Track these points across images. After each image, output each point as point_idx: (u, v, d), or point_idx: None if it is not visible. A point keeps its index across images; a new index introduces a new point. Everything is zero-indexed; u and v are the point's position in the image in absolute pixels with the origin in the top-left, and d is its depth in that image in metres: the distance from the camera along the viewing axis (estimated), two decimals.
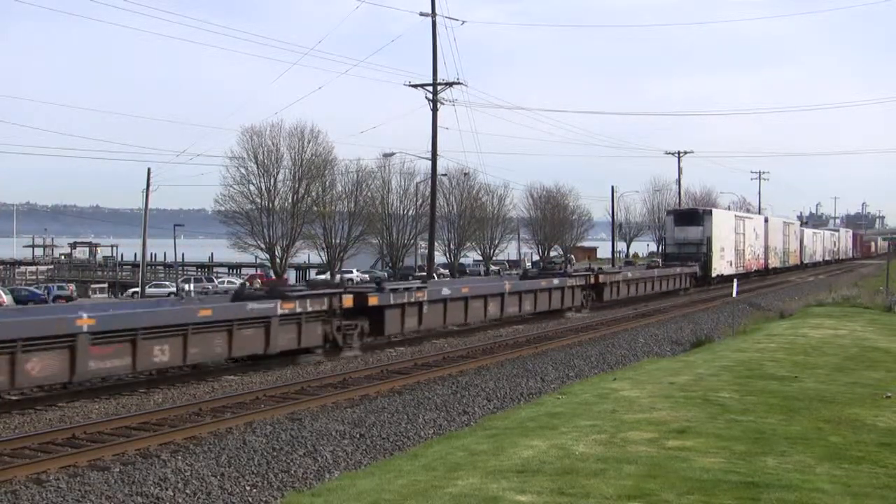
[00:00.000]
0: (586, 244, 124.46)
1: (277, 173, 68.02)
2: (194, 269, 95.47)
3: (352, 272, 74.86)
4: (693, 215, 55.00)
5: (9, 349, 13.88)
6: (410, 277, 32.46)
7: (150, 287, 68.36)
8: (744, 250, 59.22)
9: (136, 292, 67.09)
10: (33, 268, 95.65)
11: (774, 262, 68.57)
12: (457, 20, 59.58)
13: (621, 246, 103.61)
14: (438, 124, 42.52)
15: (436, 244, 59.11)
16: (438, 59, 41.82)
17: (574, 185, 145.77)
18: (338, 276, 65.24)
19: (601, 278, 35.82)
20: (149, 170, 62.16)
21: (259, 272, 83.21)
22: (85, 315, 15.14)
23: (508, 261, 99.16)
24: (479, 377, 18.81)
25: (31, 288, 67.90)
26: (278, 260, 69.44)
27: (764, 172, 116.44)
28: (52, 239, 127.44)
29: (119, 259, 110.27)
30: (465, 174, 79.95)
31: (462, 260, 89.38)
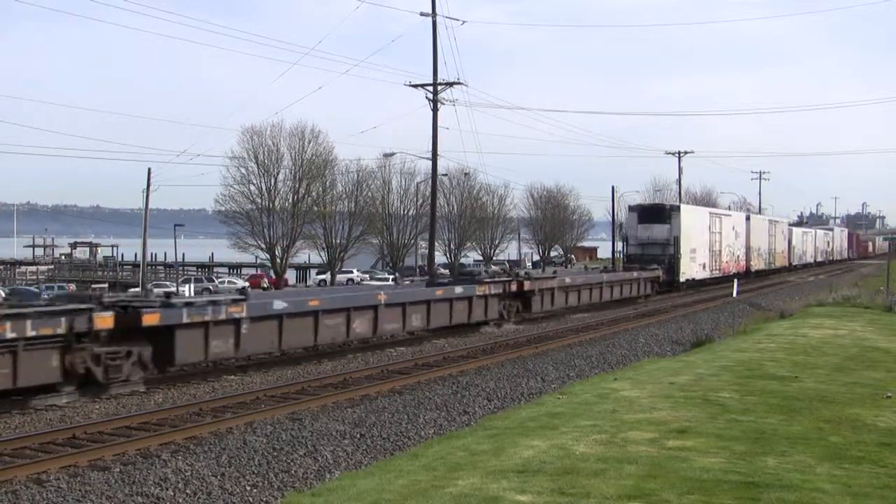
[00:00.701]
0: (587, 244, 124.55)
1: (278, 173, 68.13)
2: (194, 269, 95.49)
3: (352, 272, 74.91)
4: (659, 211, 48.29)
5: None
6: (414, 278, 31.78)
7: (149, 287, 68.36)
8: (720, 251, 53.69)
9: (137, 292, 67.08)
10: (34, 268, 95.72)
11: (758, 264, 63.27)
12: (457, 20, 59.53)
13: (621, 246, 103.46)
14: (439, 124, 42.48)
15: (436, 244, 59.08)
16: (438, 59, 41.71)
17: (574, 185, 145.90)
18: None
19: (528, 285, 30.16)
20: (149, 170, 62.18)
21: (260, 272, 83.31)
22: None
23: (509, 261, 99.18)
24: (479, 377, 18.81)
25: (32, 288, 67.93)
26: (278, 260, 69.49)
27: (764, 172, 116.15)
28: (53, 239, 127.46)
29: (119, 259, 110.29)
30: (466, 174, 80.00)
31: (462, 260, 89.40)
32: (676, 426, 11.89)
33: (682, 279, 46.82)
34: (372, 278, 70.14)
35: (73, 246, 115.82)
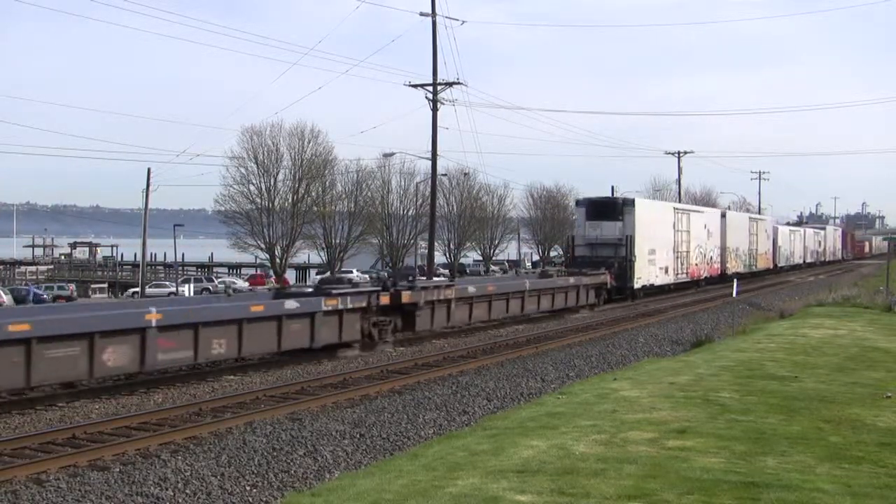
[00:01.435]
0: None
1: (277, 173, 68.20)
2: (194, 269, 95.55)
3: (352, 272, 74.99)
4: (610, 207, 41.66)
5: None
6: (411, 278, 29.97)
7: (150, 287, 68.41)
8: (688, 252, 47.53)
9: (136, 292, 67.15)
10: (33, 268, 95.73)
11: (736, 266, 57.02)
12: (457, 20, 59.60)
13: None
14: (438, 124, 42.53)
15: (436, 244, 59.10)
16: (438, 59, 41.80)
17: (574, 185, 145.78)
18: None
19: (408, 297, 23.86)
20: (149, 170, 62.24)
21: (259, 272, 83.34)
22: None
23: (508, 261, 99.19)
24: (479, 377, 18.81)
25: (32, 288, 67.96)
26: (278, 260, 69.52)
27: (764, 172, 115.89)
28: (52, 239, 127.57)
29: (119, 259, 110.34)
30: (465, 174, 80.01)
31: (462, 260, 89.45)
32: (676, 426, 11.89)
33: (636, 285, 40.58)
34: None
35: (73, 246, 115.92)
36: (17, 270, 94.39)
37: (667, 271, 44.59)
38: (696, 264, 49.20)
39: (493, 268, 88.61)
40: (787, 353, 19.97)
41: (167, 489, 10.66)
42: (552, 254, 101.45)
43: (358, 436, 13.55)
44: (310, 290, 24.22)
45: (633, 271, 40.06)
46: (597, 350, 23.61)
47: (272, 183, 68.03)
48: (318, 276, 76.90)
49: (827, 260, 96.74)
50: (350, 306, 22.00)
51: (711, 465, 9.79)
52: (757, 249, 62.67)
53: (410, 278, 28.47)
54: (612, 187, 78.31)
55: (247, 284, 74.34)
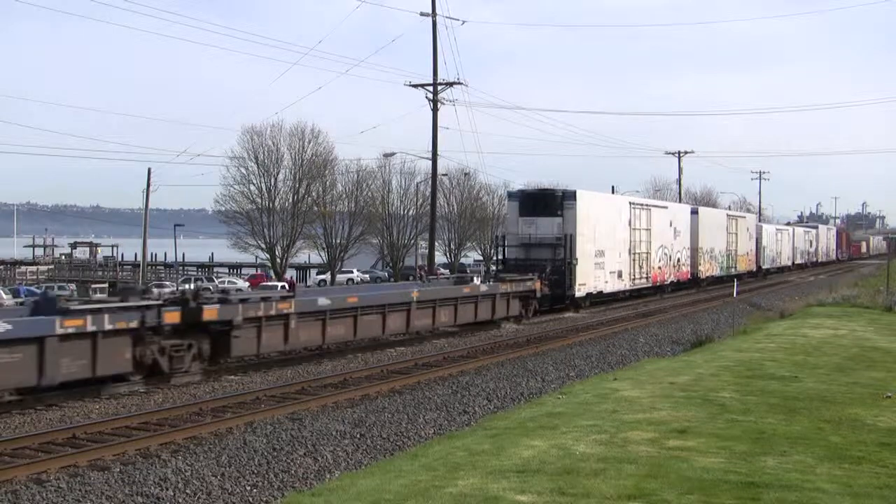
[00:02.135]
0: None
1: (278, 173, 68.24)
2: (195, 269, 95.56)
3: (352, 272, 74.96)
4: (547, 200, 35.08)
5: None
6: (411, 278, 29.83)
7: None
8: (648, 254, 41.66)
9: None
10: (33, 268, 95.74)
11: (710, 269, 51.56)
12: (457, 20, 59.60)
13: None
14: (439, 124, 42.53)
15: (436, 244, 59.08)
16: (438, 58, 41.82)
17: (573, 185, 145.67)
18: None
19: (214, 313, 18.13)
20: (149, 170, 62.27)
21: (259, 272, 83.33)
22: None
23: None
24: (479, 377, 18.81)
25: (32, 288, 68.00)
26: (278, 260, 69.54)
27: (764, 172, 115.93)
28: (53, 239, 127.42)
29: (119, 259, 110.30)
30: (466, 174, 79.91)
31: (463, 260, 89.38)
32: (676, 426, 11.89)
33: (579, 293, 34.36)
34: None
35: (73, 246, 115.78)
36: (17, 270, 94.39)
37: (620, 276, 38.54)
38: (660, 267, 43.20)
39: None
40: (787, 353, 19.98)
41: (167, 489, 10.67)
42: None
43: (358, 436, 13.55)
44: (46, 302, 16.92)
45: (574, 276, 33.86)
46: (597, 350, 23.61)
47: (272, 183, 68.10)
48: (319, 277, 76.95)
49: (819, 261, 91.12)
50: (109, 327, 16.09)
51: (711, 465, 9.79)
52: (736, 250, 57.05)
53: (230, 290, 24.36)
54: (613, 187, 78.44)
55: (247, 284, 74.36)
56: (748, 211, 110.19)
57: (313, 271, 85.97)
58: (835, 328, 25.95)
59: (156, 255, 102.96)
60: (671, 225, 45.22)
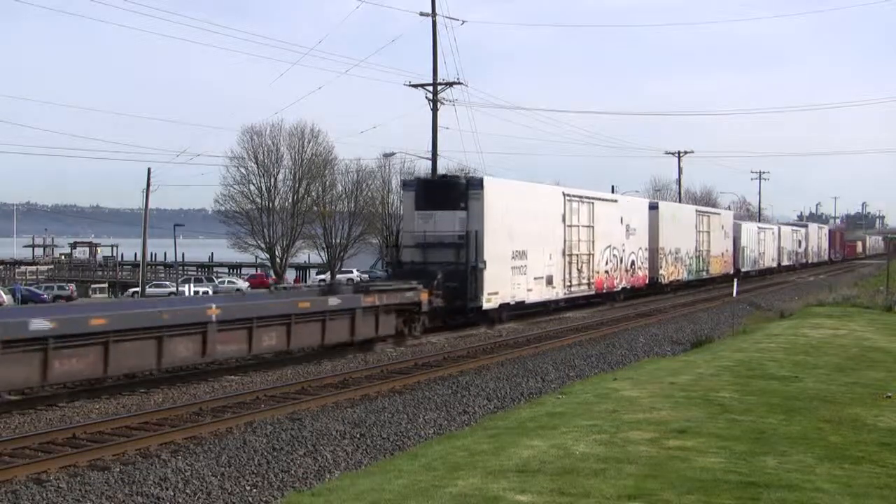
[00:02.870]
0: None
1: (277, 173, 68.33)
2: (194, 268, 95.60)
3: (352, 272, 74.98)
4: (448, 190, 28.40)
5: None
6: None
7: (150, 287, 68.46)
8: (591, 256, 34.86)
9: (137, 292, 67.19)
10: (33, 268, 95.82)
11: (675, 273, 45.15)
12: (457, 20, 59.64)
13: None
14: (439, 124, 42.51)
15: None
16: (438, 59, 41.78)
17: (573, 185, 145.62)
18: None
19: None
20: (149, 170, 62.30)
21: (259, 272, 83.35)
22: None
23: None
24: (479, 377, 18.81)
25: (32, 288, 68.03)
26: (278, 260, 69.58)
27: (764, 172, 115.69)
28: (52, 239, 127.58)
29: (119, 259, 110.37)
30: (464, 173, 79.83)
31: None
32: (676, 426, 11.89)
33: (488, 303, 27.69)
34: None
35: (73, 246, 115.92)
36: (17, 270, 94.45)
37: (550, 282, 31.71)
38: (607, 272, 36.75)
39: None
40: (787, 353, 19.98)
41: (167, 489, 10.66)
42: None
43: (358, 436, 13.55)
44: None
45: (479, 283, 27.13)
46: (597, 350, 23.61)
47: (272, 183, 68.18)
48: (319, 277, 76.97)
49: (809, 262, 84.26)
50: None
51: (711, 464, 9.79)
52: (709, 251, 50.73)
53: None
54: (613, 187, 78.33)
55: (247, 284, 74.38)
56: (748, 211, 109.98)
57: (313, 271, 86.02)
58: (835, 328, 25.96)
59: (155, 254, 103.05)
60: (622, 222, 38.38)
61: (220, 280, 77.75)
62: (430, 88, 42.22)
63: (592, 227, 35.16)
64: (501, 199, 28.72)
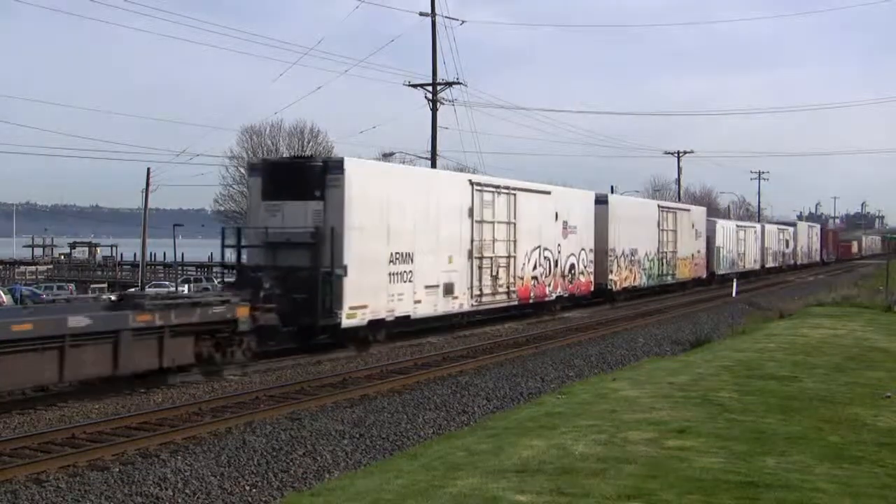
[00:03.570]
0: None
1: None
2: (194, 268, 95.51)
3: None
4: (300, 175, 22.27)
5: None
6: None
7: (149, 287, 68.43)
8: (511, 259, 28.62)
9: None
10: (33, 268, 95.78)
11: (630, 278, 39.07)
12: (456, 20, 59.71)
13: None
14: (438, 124, 42.51)
15: None
16: (438, 58, 41.75)
17: (574, 185, 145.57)
18: None
19: None
20: (148, 170, 62.23)
21: None
22: None
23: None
24: (478, 377, 18.81)
25: (32, 288, 67.98)
26: None
27: (764, 172, 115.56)
28: (52, 239, 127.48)
29: (119, 259, 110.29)
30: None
31: None
32: (676, 426, 11.89)
33: (350, 321, 21.52)
34: None
35: (73, 246, 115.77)
36: (16, 270, 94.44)
37: (450, 291, 25.43)
38: (536, 278, 30.47)
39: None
40: (786, 353, 19.98)
41: (167, 489, 10.67)
42: None
43: (357, 436, 13.55)
44: None
45: (337, 294, 21.02)
46: (596, 350, 23.62)
47: None
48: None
49: (798, 263, 77.95)
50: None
51: (711, 464, 9.80)
52: (675, 252, 44.60)
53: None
54: (612, 187, 78.19)
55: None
56: (747, 212, 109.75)
57: None
58: (834, 328, 25.97)
59: (155, 254, 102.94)
60: (558, 218, 32.11)
61: (219, 280, 77.62)
62: (430, 88, 42.22)
63: (514, 223, 28.96)
64: (374, 188, 22.61)
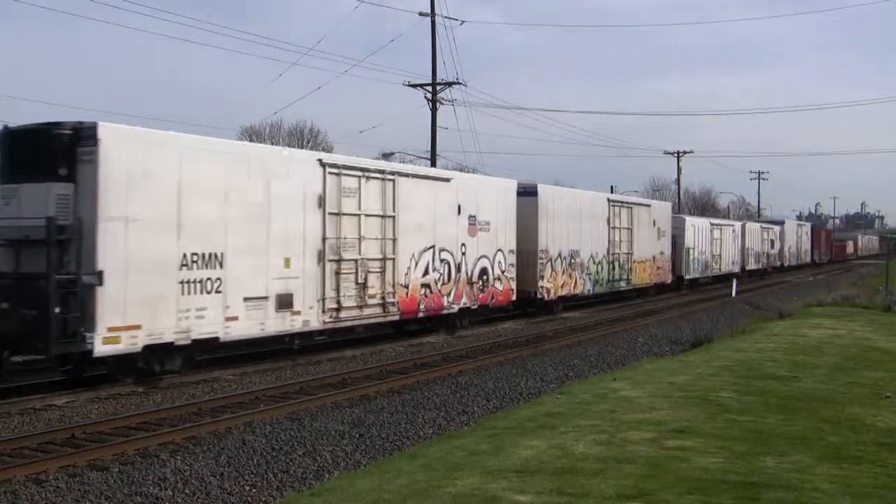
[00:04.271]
0: None
1: None
2: None
3: None
4: (43, 147, 15.68)
5: None
6: None
7: None
8: (388, 262, 22.74)
9: None
10: None
11: (570, 284, 33.21)
12: (456, 20, 59.66)
13: None
14: (438, 124, 42.51)
15: None
16: (438, 58, 41.74)
17: (574, 185, 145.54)
18: None
19: None
20: None
21: None
22: None
23: None
24: (478, 377, 18.81)
25: None
26: None
27: (764, 172, 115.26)
28: None
29: None
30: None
31: None
32: (675, 426, 11.90)
33: (104, 348, 15.62)
34: None
35: None
36: None
37: (287, 305, 19.47)
38: (427, 285, 24.62)
39: None
40: (786, 353, 20.00)
41: (166, 489, 10.66)
42: None
43: (357, 436, 13.55)
44: None
45: (88, 311, 15.40)
46: (596, 350, 23.62)
47: None
48: None
49: (786, 265, 72.05)
50: None
51: (711, 464, 9.80)
52: (631, 254, 38.70)
53: None
54: (612, 187, 77.95)
55: None
56: (747, 212, 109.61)
57: None
58: (834, 328, 25.98)
59: None
60: (461, 211, 26.19)
61: None
62: (430, 88, 42.22)
63: (393, 217, 23.05)
64: (156, 165, 16.50)
